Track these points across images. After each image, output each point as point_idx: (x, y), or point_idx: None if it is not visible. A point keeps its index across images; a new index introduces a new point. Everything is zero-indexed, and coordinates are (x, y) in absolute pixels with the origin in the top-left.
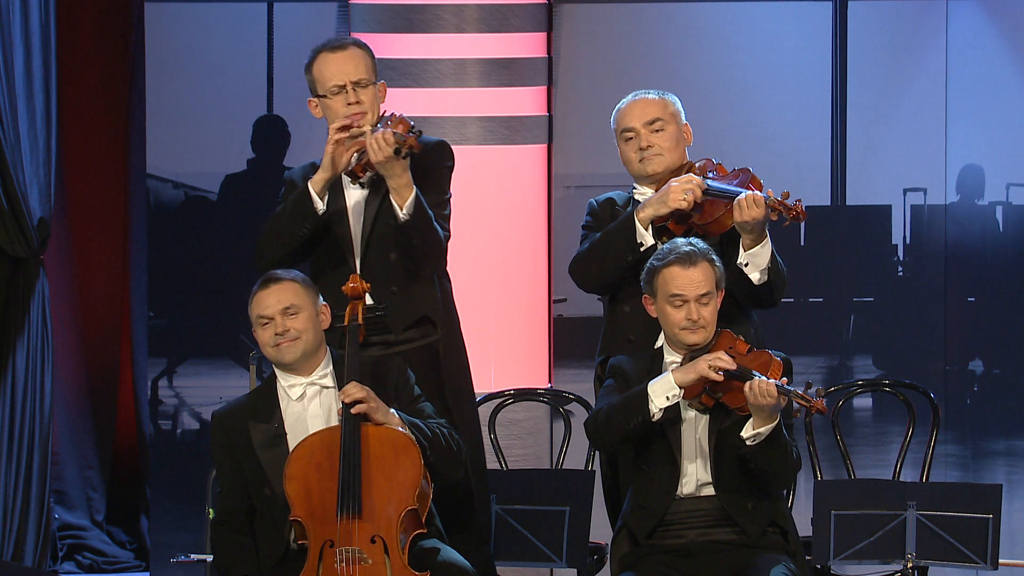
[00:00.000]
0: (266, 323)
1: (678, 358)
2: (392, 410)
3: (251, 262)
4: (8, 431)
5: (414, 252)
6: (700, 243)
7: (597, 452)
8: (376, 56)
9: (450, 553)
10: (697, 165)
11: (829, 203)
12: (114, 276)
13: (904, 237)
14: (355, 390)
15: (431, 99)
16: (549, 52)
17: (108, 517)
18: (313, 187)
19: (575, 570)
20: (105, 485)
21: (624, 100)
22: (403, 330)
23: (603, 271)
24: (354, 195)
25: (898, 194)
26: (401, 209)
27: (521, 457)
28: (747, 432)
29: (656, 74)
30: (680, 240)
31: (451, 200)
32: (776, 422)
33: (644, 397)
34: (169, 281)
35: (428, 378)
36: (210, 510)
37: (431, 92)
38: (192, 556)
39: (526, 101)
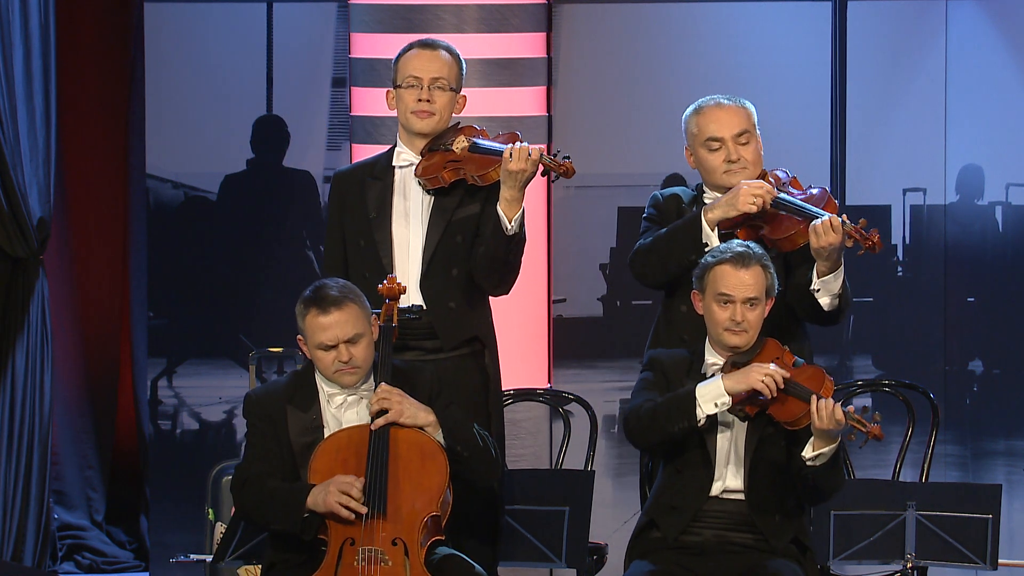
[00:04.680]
0: (328, 349)
1: (719, 360)
2: (428, 410)
3: (250, 262)
4: (8, 431)
5: (503, 268)
6: (756, 247)
7: (595, 453)
8: (375, 56)
9: (473, 565)
10: (771, 175)
11: None
12: (114, 276)
13: (904, 237)
14: (382, 395)
15: None
16: (549, 52)
17: (108, 517)
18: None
19: (575, 570)
20: (105, 485)
21: (704, 103)
22: (453, 347)
23: (665, 267)
24: (418, 203)
25: (898, 194)
26: (510, 222)
27: (521, 457)
28: (809, 453)
29: (656, 74)
30: (736, 241)
31: None
32: (839, 442)
33: (692, 402)
34: (169, 281)
35: (466, 385)
36: (210, 510)
37: None
38: (192, 556)
39: (526, 101)
